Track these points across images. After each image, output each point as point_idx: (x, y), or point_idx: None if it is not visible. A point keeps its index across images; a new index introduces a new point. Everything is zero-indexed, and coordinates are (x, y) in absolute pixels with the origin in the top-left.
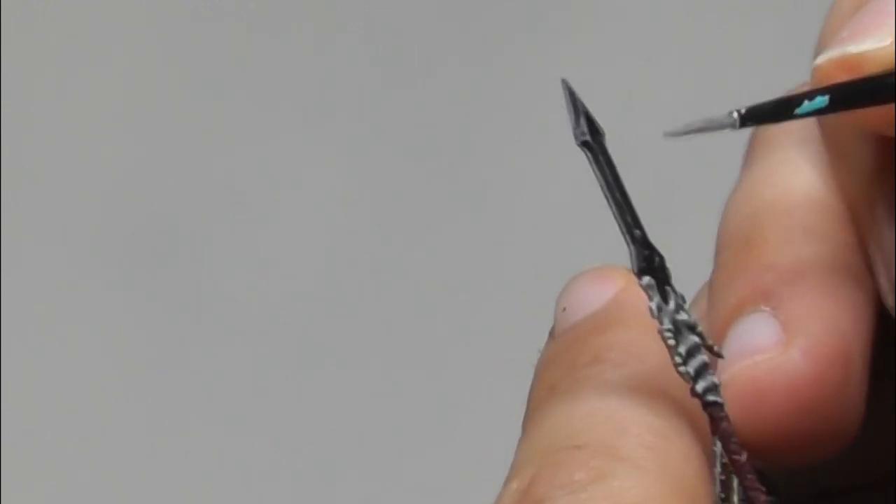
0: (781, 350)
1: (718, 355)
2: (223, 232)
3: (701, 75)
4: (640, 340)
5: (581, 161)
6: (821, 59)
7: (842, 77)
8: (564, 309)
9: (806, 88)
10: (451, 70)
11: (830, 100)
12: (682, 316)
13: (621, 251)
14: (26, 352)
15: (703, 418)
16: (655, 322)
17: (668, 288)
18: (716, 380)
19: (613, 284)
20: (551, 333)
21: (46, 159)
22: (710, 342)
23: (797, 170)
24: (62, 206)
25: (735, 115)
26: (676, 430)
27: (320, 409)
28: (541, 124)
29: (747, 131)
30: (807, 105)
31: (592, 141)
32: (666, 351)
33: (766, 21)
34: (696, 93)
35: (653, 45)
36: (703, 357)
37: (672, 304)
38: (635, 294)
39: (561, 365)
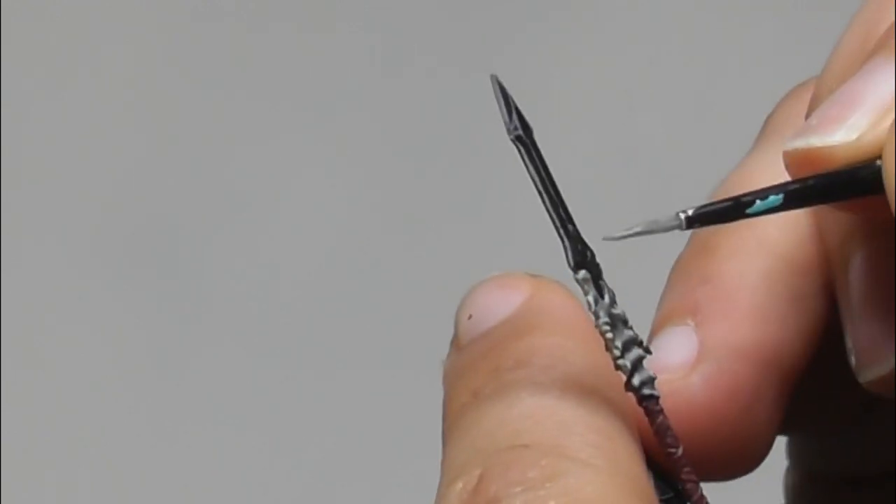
0: (687, 372)
1: (647, 351)
2: (223, 232)
3: (701, 75)
4: (564, 344)
5: (579, 162)
6: (789, 146)
7: (805, 171)
8: (470, 317)
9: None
10: (452, 70)
11: (785, 198)
12: (618, 310)
13: (621, 251)
14: (26, 352)
15: (636, 419)
16: (591, 316)
17: (601, 283)
18: (651, 373)
19: (519, 291)
20: (455, 343)
21: (46, 159)
22: (640, 338)
23: (776, 177)
24: (62, 207)
25: (681, 216)
26: (617, 429)
27: (321, 410)
28: (541, 124)
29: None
30: (760, 204)
31: (525, 136)
32: (590, 355)
33: (766, 21)
34: (697, 93)
35: (653, 44)
36: (638, 351)
37: (607, 299)
38: (546, 300)
39: (481, 371)
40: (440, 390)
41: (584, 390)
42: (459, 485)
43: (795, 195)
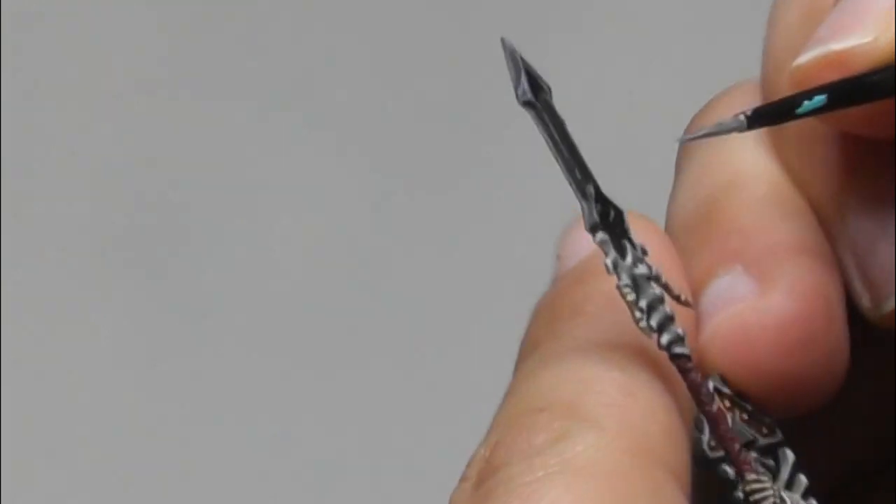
0: (762, 295)
1: (686, 304)
2: (223, 232)
3: (701, 75)
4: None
5: (587, 159)
6: (801, 59)
7: (829, 75)
8: (559, 257)
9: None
10: (452, 70)
11: (828, 98)
12: (642, 269)
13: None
14: (26, 352)
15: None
16: (613, 278)
17: (625, 242)
18: (680, 331)
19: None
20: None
21: (46, 158)
22: (675, 291)
23: (745, 155)
24: (62, 207)
25: (742, 117)
26: (645, 384)
27: (320, 409)
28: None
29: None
30: (806, 104)
31: (536, 99)
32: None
33: (765, 21)
34: (697, 92)
35: (653, 45)
36: (665, 309)
37: (630, 259)
38: None
39: (545, 318)
40: (439, 390)
41: (622, 342)
42: (482, 450)
43: (838, 93)
